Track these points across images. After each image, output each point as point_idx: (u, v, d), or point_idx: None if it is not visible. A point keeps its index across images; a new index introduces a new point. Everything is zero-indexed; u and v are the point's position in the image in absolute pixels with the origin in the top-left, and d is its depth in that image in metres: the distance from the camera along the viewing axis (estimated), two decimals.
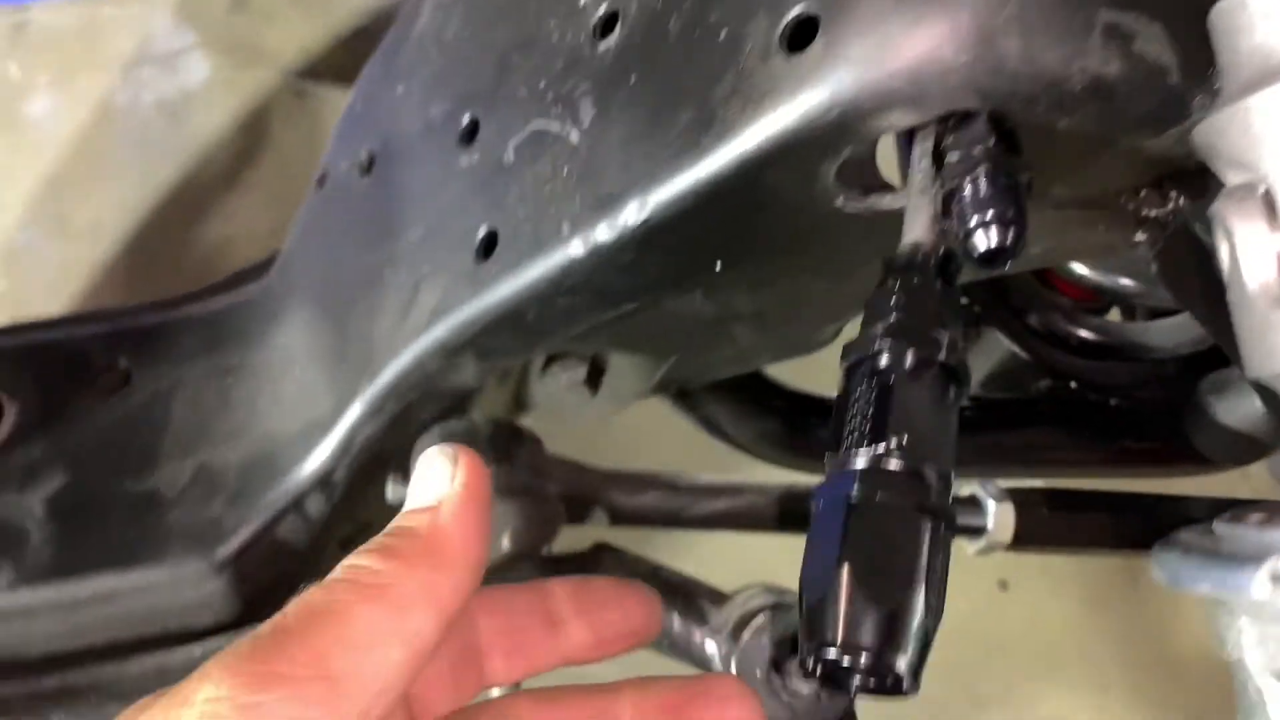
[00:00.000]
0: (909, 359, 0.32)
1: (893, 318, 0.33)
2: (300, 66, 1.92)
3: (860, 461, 0.30)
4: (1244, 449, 0.71)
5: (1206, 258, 0.40)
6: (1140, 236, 0.44)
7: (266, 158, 1.86)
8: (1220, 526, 0.28)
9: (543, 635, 0.35)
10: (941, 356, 0.32)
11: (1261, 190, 0.28)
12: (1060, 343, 0.76)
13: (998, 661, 1.36)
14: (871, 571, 0.29)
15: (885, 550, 0.29)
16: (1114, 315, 0.80)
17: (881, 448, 0.30)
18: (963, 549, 0.61)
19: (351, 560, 0.29)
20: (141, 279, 1.77)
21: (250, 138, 1.88)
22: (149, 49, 2.01)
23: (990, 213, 0.33)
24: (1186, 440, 0.73)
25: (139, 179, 1.85)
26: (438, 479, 0.31)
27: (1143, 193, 0.42)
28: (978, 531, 0.57)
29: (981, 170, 0.34)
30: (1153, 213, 0.43)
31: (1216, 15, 0.29)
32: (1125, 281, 0.71)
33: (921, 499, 0.30)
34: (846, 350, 0.34)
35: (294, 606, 0.27)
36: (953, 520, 0.31)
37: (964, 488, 0.61)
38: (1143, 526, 0.64)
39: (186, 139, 1.89)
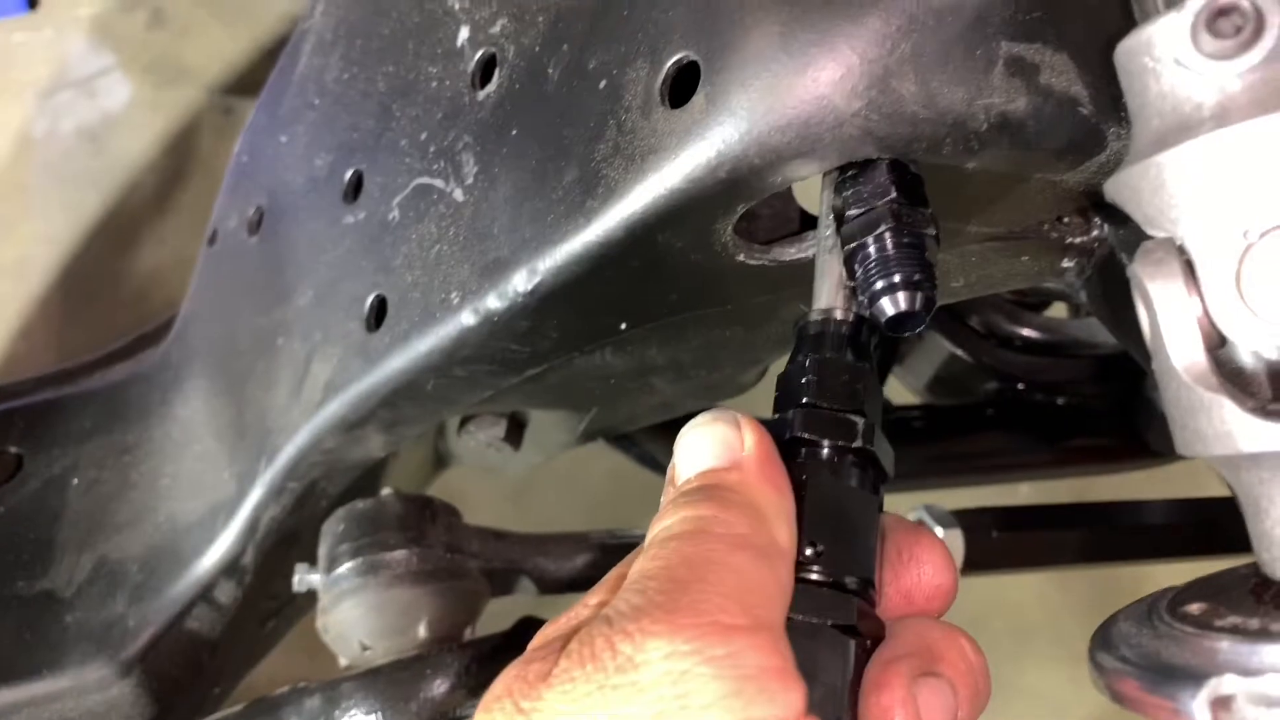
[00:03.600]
0: (824, 450, 0.30)
1: (804, 402, 0.30)
2: (225, 82, 1.86)
3: None
4: None
5: None
6: (1067, 263, 0.41)
7: (196, 178, 1.80)
8: (1161, 622, 0.25)
9: None
10: (857, 443, 0.29)
11: (1179, 249, 0.25)
12: (1003, 342, 0.74)
13: None
14: None
15: (807, 671, 0.26)
16: (1058, 311, 0.78)
17: (800, 558, 0.28)
18: None
19: (686, 513, 0.28)
20: (75, 313, 1.71)
21: (178, 159, 1.82)
22: (65, 74, 1.94)
23: (896, 276, 0.30)
24: (1138, 434, 0.71)
25: (64, 210, 1.79)
26: (721, 440, 0.30)
27: (1066, 219, 0.40)
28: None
29: (884, 228, 0.31)
30: (1077, 239, 0.40)
31: (1122, 54, 0.27)
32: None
33: (843, 616, 0.27)
34: None
35: (662, 555, 0.27)
36: (879, 631, 0.28)
37: (910, 511, 0.58)
38: (1097, 539, 0.62)
39: (111, 165, 1.83)
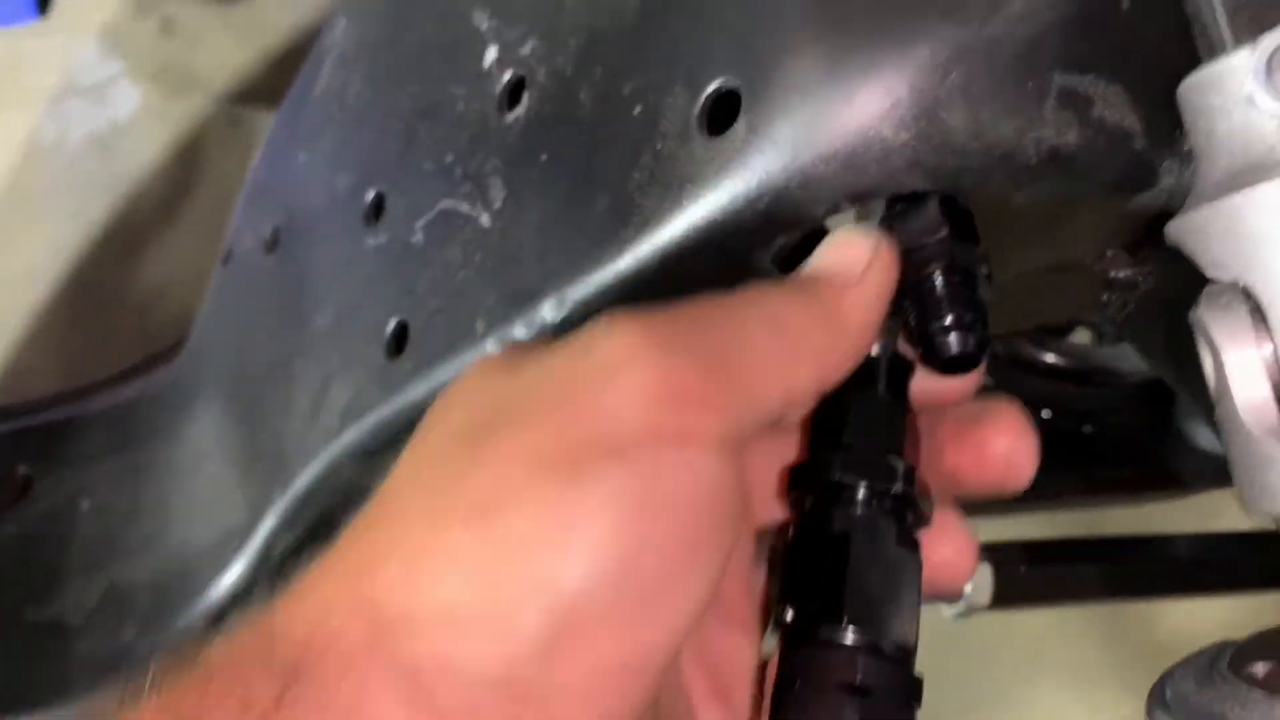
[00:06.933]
0: (861, 493, 0.28)
1: (841, 444, 0.29)
2: (234, 91, 1.85)
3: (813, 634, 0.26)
4: (1224, 472, 0.68)
5: (1183, 323, 0.37)
6: (1109, 297, 0.40)
7: (203, 188, 1.79)
8: (1224, 683, 0.24)
9: None
10: (897, 489, 0.28)
11: (1248, 296, 0.24)
12: (1028, 368, 0.73)
13: (986, 665, 1.33)
14: None
15: None
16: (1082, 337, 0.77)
17: (835, 620, 0.26)
18: (939, 613, 0.57)
19: (756, 289, 0.28)
20: (81, 323, 1.70)
21: (185, 168, 1.81)
22: (74, 81, 1.94)
23: (949, 318, 0.29)
24: (1164, 464, 0.70)
25: (72, 219, 1.78)
26: (853, 255, 0.29)
27: (1109, 252, 0.39)
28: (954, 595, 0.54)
29: (936, 268, 0.30)
30: (1121, 274, 0.39)
31: (1187, 91, 0.26)
32: None
33: (890, 681, 0.26)
34: (794, 477, 0.30)
35: (695, 303, 0.27)
36: (918, 691, 0.27)
37: None
38: (1127, 573, 0.61)
39: (119, 173, 1.82)
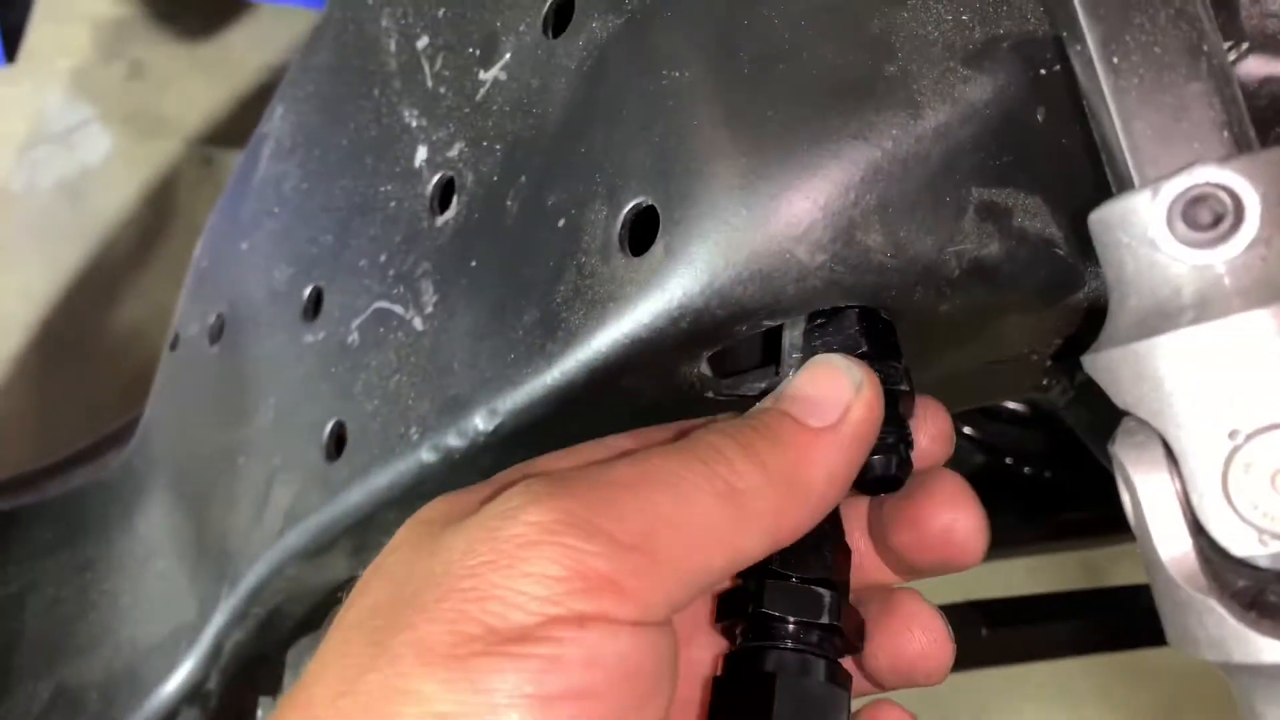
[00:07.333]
0: (790, 626, 0.28)
1: (769, 572, 0.29)
2: (205, 132, 1.85)
3: None
4: None
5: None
6: (1048, 382, 0.40)
7: (176, 230, 1.78)
8: None
9: None
10: (825, 620, 0.28)
11: (1160, 436, 0.24)
12: (987, 414, 0.72)
13: (970, 686, 1.32)
14: None
15: None
16: None
17: None
18: None
19: (712, 438, 0.26)
20: (56, 369, 1.69)
21: (158, 211, 1.81)
22: (44, 127, 1.93)
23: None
24: None
25: (43, 265, 1.77)
26: (833, 395, 0.27)
27: (1051, 341, 0.38)
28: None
29: None
30: (1060, 363, 0.39)
31: (1094, 224, 0.25)
32: None
33: None
34: (723, 606, 0.30)
35: (634, 463, 0.25)
36: None
37: None
38: (1089, 628, 0.60)
39: (90, 218, 1.81)
